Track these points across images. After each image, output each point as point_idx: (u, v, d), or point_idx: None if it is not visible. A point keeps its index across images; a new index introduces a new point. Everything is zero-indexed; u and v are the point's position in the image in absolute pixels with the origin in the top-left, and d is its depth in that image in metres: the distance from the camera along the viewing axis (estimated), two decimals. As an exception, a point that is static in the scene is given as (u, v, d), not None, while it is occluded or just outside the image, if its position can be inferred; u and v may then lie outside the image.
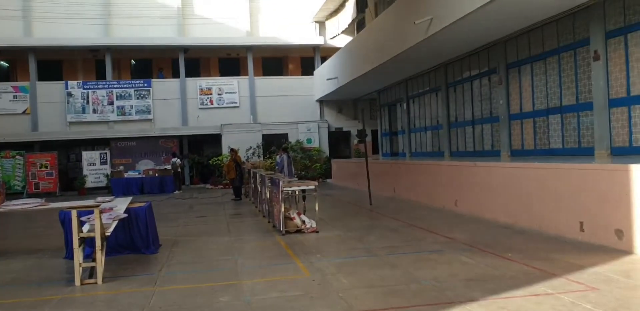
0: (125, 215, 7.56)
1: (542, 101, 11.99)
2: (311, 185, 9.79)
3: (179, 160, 23.06)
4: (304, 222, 9.56)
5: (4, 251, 8.94)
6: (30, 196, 21.16)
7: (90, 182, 23.70)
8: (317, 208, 9.53)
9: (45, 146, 24.34)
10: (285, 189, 9.57)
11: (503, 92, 13.28)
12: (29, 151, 23.77)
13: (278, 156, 16.17)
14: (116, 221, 7.19)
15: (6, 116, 23.95)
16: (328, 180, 23.41)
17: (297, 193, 10.67)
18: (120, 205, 8.09)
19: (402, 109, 20.36)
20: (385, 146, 22.81)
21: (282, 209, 9.40)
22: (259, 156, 24.29)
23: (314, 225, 9.50)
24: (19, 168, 23.46)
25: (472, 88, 15.14)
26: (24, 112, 24.15)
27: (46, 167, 23.31)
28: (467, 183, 11.02)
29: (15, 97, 24.14)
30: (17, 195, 21.22)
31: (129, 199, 9.08)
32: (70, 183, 24.05)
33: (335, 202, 14.82)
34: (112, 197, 9.21)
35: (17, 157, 23.49)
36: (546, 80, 11.79)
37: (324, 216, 10.70)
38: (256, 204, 14.00)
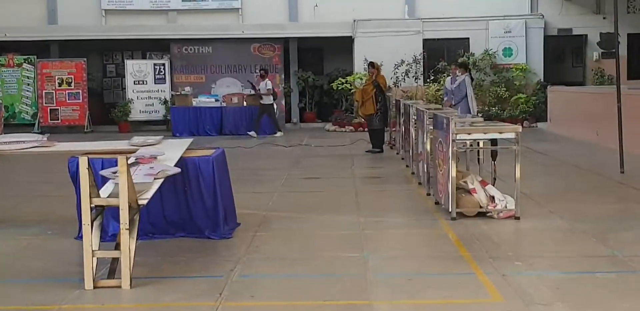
0: (178, 170, 5.23)
1: None
2: (509, 132, 6.80)
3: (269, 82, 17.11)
4: (492, 199, 6.66)
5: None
6: (43, 130, 15.53)
7: (138, 111, 17.63)
8: (517, 175, 6.33)
9: (68, 48, 18.22)
10: (460, 137, 6.78)
11: None
12: (42, 57, 17.54)
13: (449, 78, 12.84)
14: (161, 180, 4.94)
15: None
16: (540, 124, 17.30)
17: (481, 145, 7.42)
18: (171, 152, 5.74)
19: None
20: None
21: (454, 173, 6.60)
22: (417, 79, 17.77)
23: (512, 206, 6.48)
24: (28, 85, 17.01)
25: None
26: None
27: (69, 84, 16.94)
28: None
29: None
30: (25, 128, 15.83)
31: (189, 142, 6.56)
32: (107, 112, 18.08)
33: (553, 166, 11.18)
34: (159, 137, 6.39)
35: (25, 65, 16.96)
36: None
37: (531, 191, 7.53)
38: (408, 162, 10.77)
